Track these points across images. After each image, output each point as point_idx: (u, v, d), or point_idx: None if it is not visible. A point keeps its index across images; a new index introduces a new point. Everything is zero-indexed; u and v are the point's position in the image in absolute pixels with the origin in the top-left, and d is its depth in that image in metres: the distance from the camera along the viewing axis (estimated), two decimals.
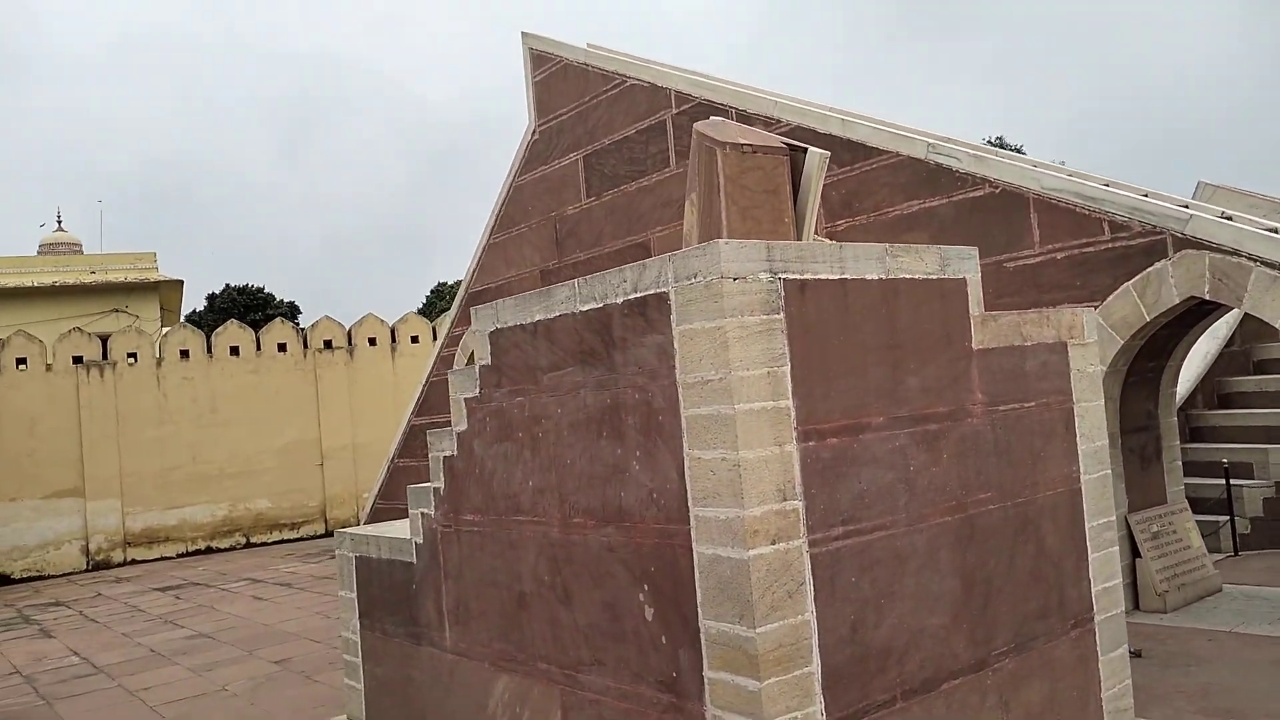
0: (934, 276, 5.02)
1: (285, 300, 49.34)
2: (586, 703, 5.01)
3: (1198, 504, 11.04)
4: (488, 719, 5.81)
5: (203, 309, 48.18)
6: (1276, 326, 7.43)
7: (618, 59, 13.35)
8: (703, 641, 4.29)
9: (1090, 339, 5.91)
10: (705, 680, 4.29)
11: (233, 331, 23.72)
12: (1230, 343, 12.64)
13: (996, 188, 9.05)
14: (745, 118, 11.42)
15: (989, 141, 63.00)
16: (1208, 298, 7.76)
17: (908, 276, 4.89)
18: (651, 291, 4.44)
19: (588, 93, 13.74)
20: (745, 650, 4.08)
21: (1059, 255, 8.67)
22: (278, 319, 26.20)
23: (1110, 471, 5.94)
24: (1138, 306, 8.17)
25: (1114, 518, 5.91)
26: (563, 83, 14.23)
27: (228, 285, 48.99)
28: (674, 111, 12.46)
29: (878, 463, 4.62)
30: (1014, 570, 5.22)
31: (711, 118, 7.73)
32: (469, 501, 5.84)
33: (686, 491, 4.31)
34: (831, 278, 4.55)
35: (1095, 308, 8.44)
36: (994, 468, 5.19)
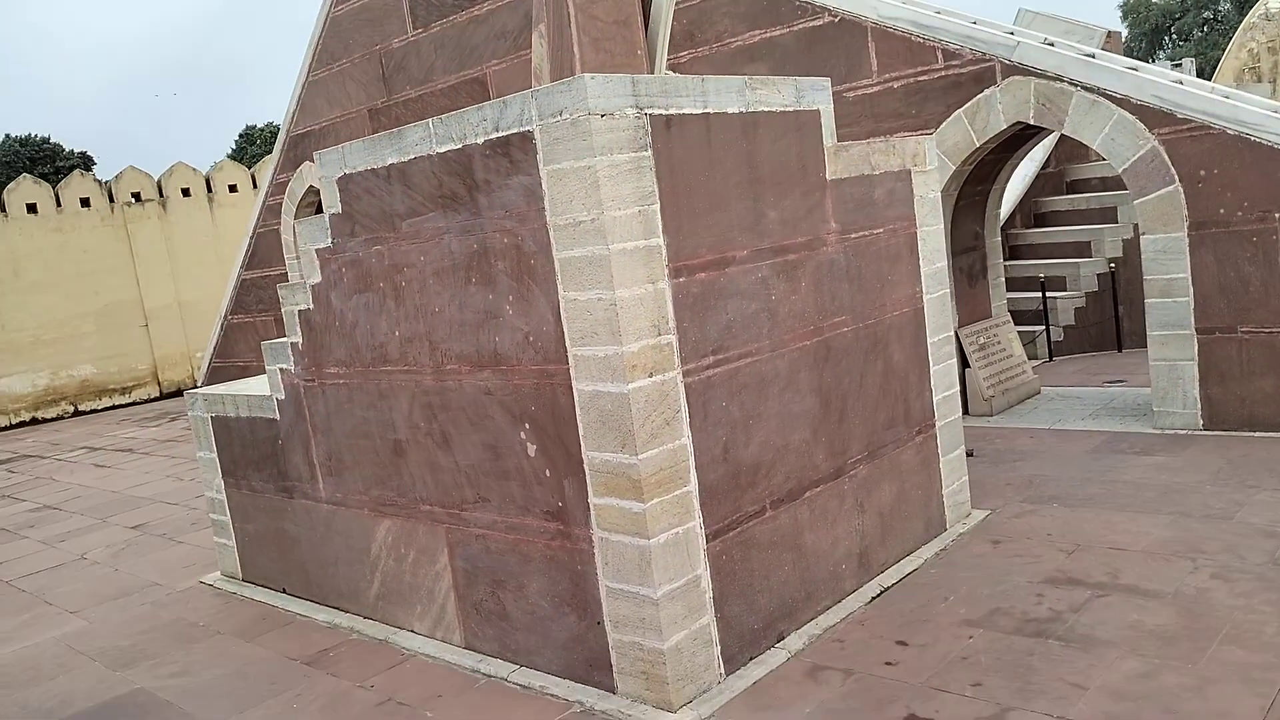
0: (790, 108, 5.10)
1: (76, 151, 45.00)
2: (473, 538, 5.17)
3: (1018, 316, 12.00)
4: (371, 562, 5.92)
5: None
6: (1093, 147, 7.98)
7: None
8: (586, 471, 4.46)
9: (931, 166, 6.20)
10: (591, 506, 4.49)
11: (27, 187, 21.62)
12: (1046, 165, 13.47)
13: (836, 16, 9.12)
14: None
15: None
16: (1032, 122, 8.20)
17: (766, 109, 4.95)
18: (515, 130, 4.34)
19: None
20: (629, 476, 4.28)
21: (896, 84, 8.92)
22: (75, 171, 23.97)
23: (949, 290, 6.37)
24: (969, 133, 8.57)
25: (951, 333, 6.39)
26: None
27: (7, 136, 44.17)
28: None
29: (743, 294, 4.79)
30: (866, 386, 5.60)
31: None
32: (332, 355, 5.73)
33: (564, 333, 4.38)
34: (695, 112, 4.56)
35: (930, 135, 8.80)
36: (847, 293, 5.48)
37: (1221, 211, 7.30)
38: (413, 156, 4.88)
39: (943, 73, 8.57)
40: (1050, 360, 11.70)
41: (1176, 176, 7.45)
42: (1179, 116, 7.36)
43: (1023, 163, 13.09)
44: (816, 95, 5.27)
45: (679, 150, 4.46)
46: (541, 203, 4.31)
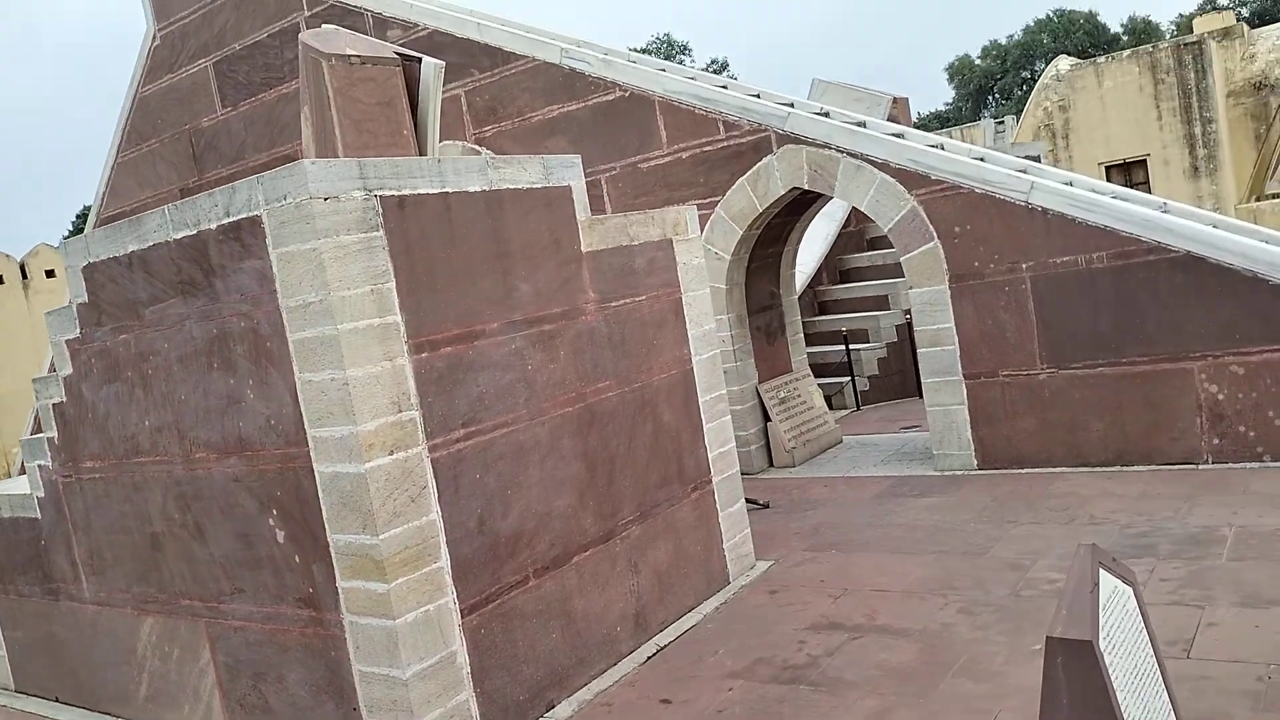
0: (539, 185, 5.27)
1: None
2: (232, 631, 5.01)
3: (828, 368, 12.55)
4: (138, 662, 5.65)
5: None
6: (861, 209, 8.51)
7: None
8: (333, 555, 4.42)
9: (693, 234, 6.48)
10: (339, 590, 4.43)
11: None
12: (847, 224, 14.23)
13: (627, 91, 9.48)
14: (382, 21, 11.08)
15: (656, 39, 64.57)
16: (807, 187, 8.69)
17: (512, 187, 5.11)
18: (244, 215, 4.35)
19: None
20: (371, 557, 4.26)
21: (684, 154, 9.31)
22: None
23: (719, 351, 6.63)
24: (752, 199, 9.00)
25: (724, 391, 6.63)
26: None
27: None
28: (307, 14, 11.81)
29: (496, 366, 4.88)
30: (635, 448, 5.75)
31: (324, 26, 7.44)
32: (87, 448, 5.52)
33: (302, 415, 4.36)
34: (432, 192, 4.66)
35: (718, 202, 9.21)
36: (610, 359, 5.64)
37: (976, 264, 7.88)
38: (152, 243, 4.81)
39: (725, 143, 9.00)
40: (857, 409, 12.23)
41: (935, 233, 8.01)
42: (933, 178, 7.94)
43: (825, 222, 13.80)
44: (566, 172, 5.47)
45: (416, 229, 4.55)
46: (273, 285, 4.31)
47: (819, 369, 12.55)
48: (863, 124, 9.46)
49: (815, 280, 13.48)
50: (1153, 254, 7.16)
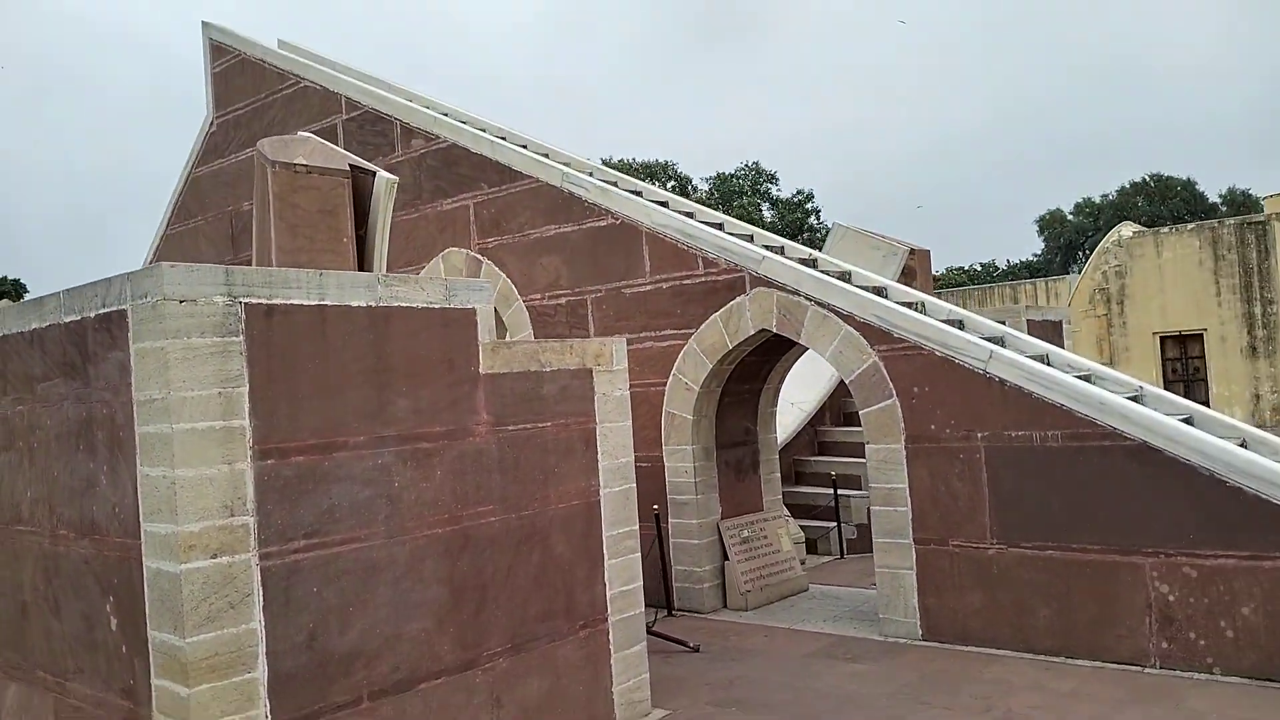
0: (436, 306, 5.33)
1: (9, 278, 44.67)
2: (71, 709, 4.97)
3: (814, 511, 12.21)
4: None
5: None
6: (825, 358, 8.40)
7: (294, 58, 13.13)
8: (150, 651, 4.37)
9: (618, 366, 6.45)
10: (153, 687, 4.37)
11: None
12: None
13: (618, 219, 9.65)
14: (408, 130, 11.57)
15: (745, 165, 65.91)
16: (776, 331, 8.64)
17: (404, 305, 5.17)
18: (115, 308, 4.48)
19: (264, 89, 13.42)
20: (177, 658, 4.20)
21: (665, 285, 9.37)
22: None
23: (634, 485, 6.51)
24: (723, 335, 8.96)
25: (635, 527, 6.47)
26: (240, 77, 13.83)
27: None
28: (344, 117, 12.42)
29: (355, 479, 4.87)
30: (514, 577, 5.62)
31: (299, 133, 7.81)
32: None
33: (139, 507, 4.38)
34: (307, 304, 4.74)
35: (692, 334, 9.19)
36: (498, 483, 5.58)
37: (933, 427, 7.66)
38: (49, 323, 4.98)
39: (703, 278, 9.04)
40: (840, 557, 11.82)
41: (894, 391, 7.84)
42: (896, 336, 7.81)
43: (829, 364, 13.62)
44: (473, 295, 5.53)
45: (282, 338, 4.62)
46: (130, 378, 4.41)
47: (807, 511, 12.24)
48: (847, 275, 9.45)
49: (818, 419, 13.26)
50: (1108, 439, 6.87)
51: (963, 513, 7.52)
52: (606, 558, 6.22)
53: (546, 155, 12.03)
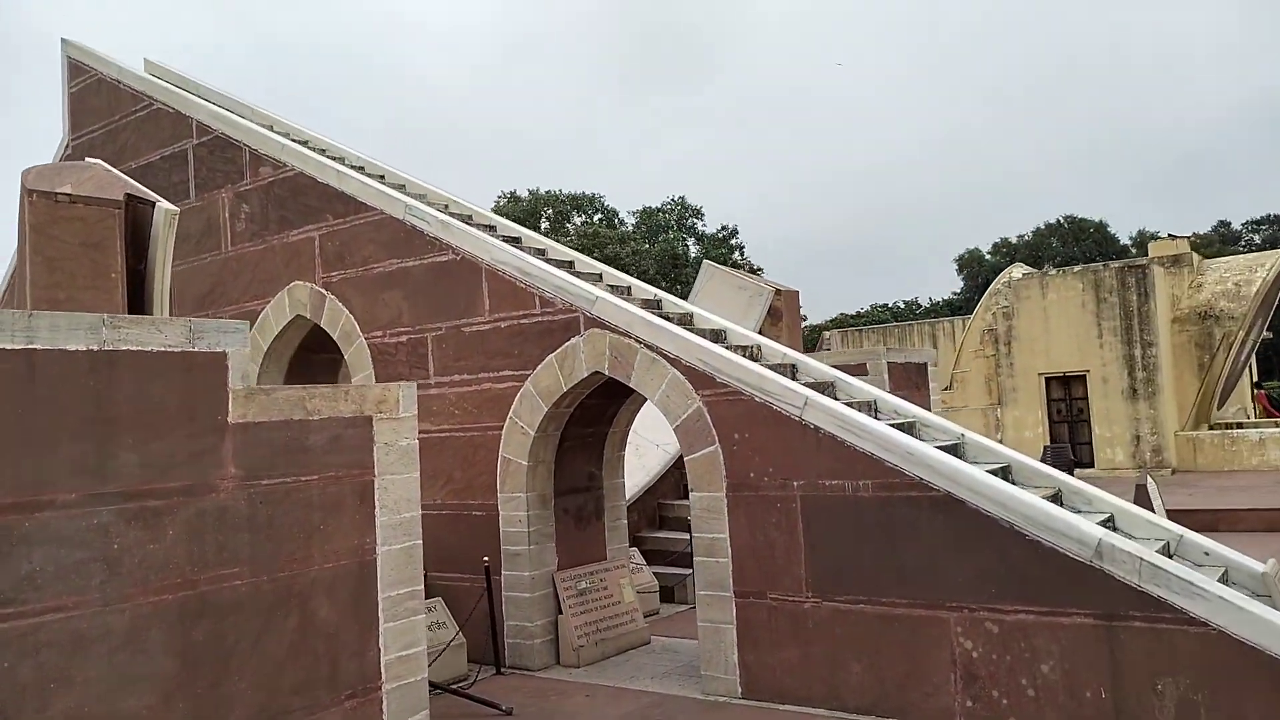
0: (176, 349, 4.97)
1: None
2: None
3: (670, 557, 11.99)
4: None
5: None
6: (653, 402, 8.19)
7: (149, 79, 12.62)
8: None
9: (405, 414, 6.13)
10: None
11: None
12: None
13: (458, 255, 9.36)
14: (257, 157, 11.14)
15: (671, 200, 66.17)
16: (608, 374, 8.41)
17: (136, 349, 4.80)
18: None
19: (118, 111, 12.88)
20: None
21: (503, 324, 9.09)
22: None
23: (419, 542, 6.17)
24: (558, 377, 8.70)
25: (420, 587, 6.13)
26: (96, 98, 13.26)
27: None
28: (195, 141, 11.93)
29: (63, 541, 4.46)
30: (265, 646, 5.23)
31: (87, 160, 7.38)
32: None
33: None
34: (12, 347, 4.36)
35: (529, 376, 8.92)
36: (247, 543, 5.20)
37: (752, 475, 7.48)
38: None
39: (539, 318, 8.79)
40: (693, 606, 11.56)
41: (717, 437, 7.65)
42: (718, 380, 7.64)
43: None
44: (223, 338, 5.18)
45: None
46: None
47: (661, 556, 12.00)
48: (688, 316, 9.28)
49: (679, 464, 13.06)
50: (914, 489, 6.76)
51: (780, 565, 7.34)
52: (382, 621, 5.86)
53: (403, 186, 11.73)
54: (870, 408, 8.20)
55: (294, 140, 12.53)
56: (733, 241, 68.11)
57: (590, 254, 58.70)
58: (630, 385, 8.25)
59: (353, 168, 11.97)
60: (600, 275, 10.03)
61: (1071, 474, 17.06)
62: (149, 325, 4.88)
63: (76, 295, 5.90)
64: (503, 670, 8.74)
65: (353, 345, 10.20)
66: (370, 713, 5.75)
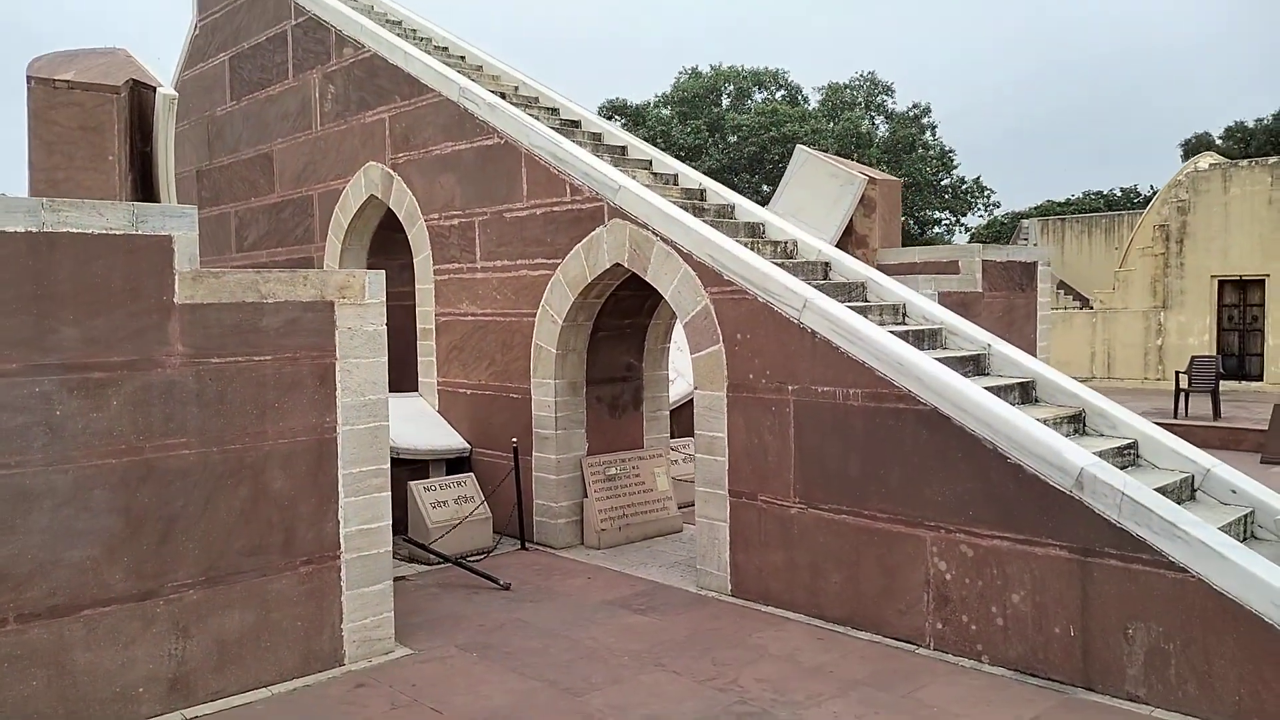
0: (119, 232, 5.24)
1: None
2: None
3: None
4: None
5: None
6: (666, 298, 7.97)
7: None
8: None
9: (371, 300, 6.26)
10: None
11: None
12: None
13: (502, 139, 9.29)
14: (341, 39, 11.34)
15: (860, 75, 62.79)
16: (627, 265, 8.24)
17: (75, 231, 5.10)
18: None
19: None
20: None
21: (539, 211, 9.03)
22: None
23: (385, 424, 6.38)
24: (584, 267, 8.60)
25: (385, 466, 6.36)
26: None
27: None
28: (293, 22, 12.27)
29: (3, 407, 4.89)
30: (214, 511, 5.61)
31: (114, 47, 7.70)
32: None
33: None
34: None
35: (559, 264, 8.88)
36: (195, 416, 5.54)
37: (751, 376, 7.25)
38: None
39: (569, 206, 8.69)
40: None
41: (721, 336, 7.42)
42: (725, 278, 7.36)
43: None
44: (169, 221, 5.41)
45: None
46: None
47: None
48: (728, 208, 8.95)
49: None
50: (902, 401, 6.36)
51: (772, 468, 7.15)
52: (343, 496, 6.15)
53: (480, 68, 11.72)
54: (897, 312, 7.72)
55: (389, 22, 12.69)
56: (924, 120, 64.35)
57: (767, 132, 56.97)
58: (646, 279, 8.08)
59: (436, 49, 12.04)
60: (650, 161, 9.77)
61: (1217, 389, 15.63)
62: (89, 209, 5.16)
63: (75, 176, 6.30)
64: (526, 546, 9.05)
65: (415, 226, 10.45)
66: (327, 580, 6.11)
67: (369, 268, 11.95)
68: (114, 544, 5.27)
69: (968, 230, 66.19)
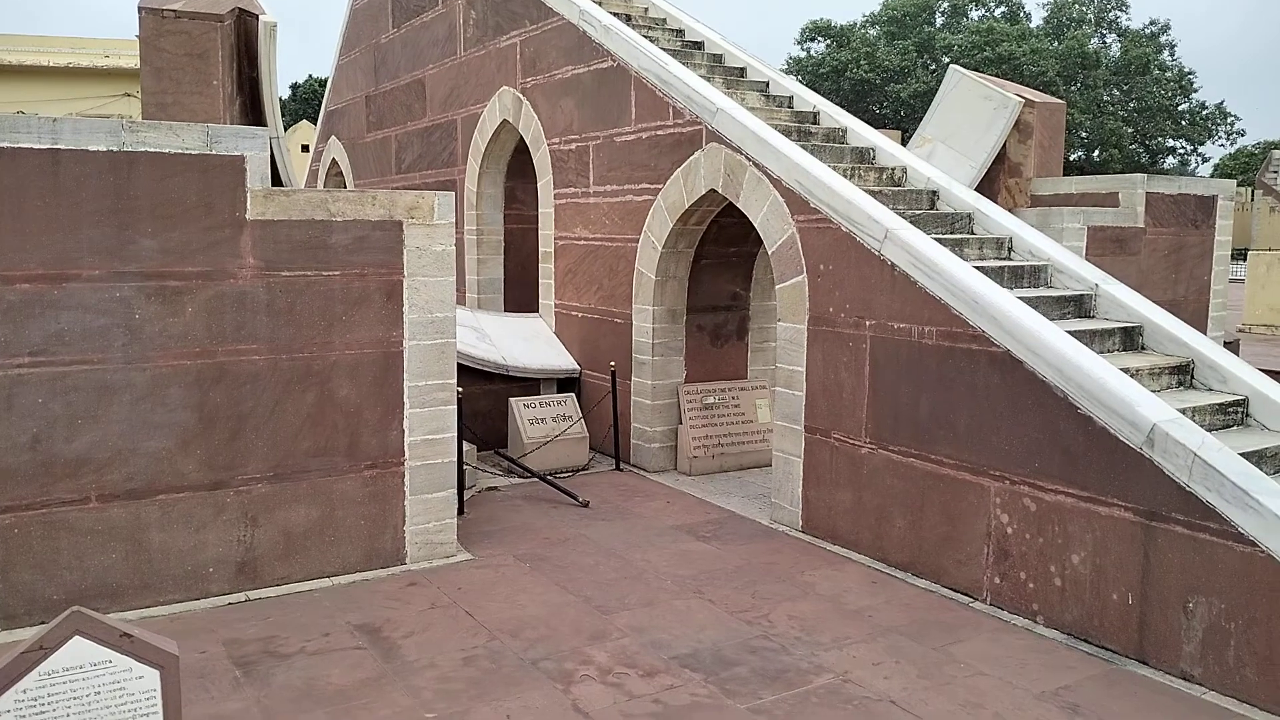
0: (193, 152, 5.63)
1: None
2: None
3: None
4: None
5: None
6: (756, 226, 7.69)
7: None
8: None
9: (440, 220, 6.45)
10: None
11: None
12: None
13: (615, 62, 9.18)
14: None
15: None
16: (721, 191, 8.01)
17: (152, 150, 5.52)
18: None
19: None
20: None
21: (644, 135, 8.89)
22: None
23: (453, 341, 6.60)
24: (683, 192, 8.43)
25: (452, 380, 6.60)
26: None
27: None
28: None
29: (88, 308, 5.43)
30: (282, 413, 6.03)
31: None
32: None
33: None
34: (37, 147, 5.23)
35: (660, 189, 8.77)
36: (265, 325, 5.94)
37: (831, 310, 6.97)
38: None
39: (671, 129, 8.56)
40: None
41: (805, 267, 7.17)
42: (811, 205, 7.07)
43: None
44: (242, 143, 5.76)
45: (8, 178, 5.16)
46: None
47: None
48: (840, 131, 8.55)
49: None
50: (975, 342, 5.96)
51: (845, 406, 6.90)
52: (408, 406, 6.46)
53: None
54: (1000, 246, 7.19)
55: None
56: (1162, 39, 58.52)
57: (981, 53, 53.19)
58: (739, 206, 7.87)
59: None
60: (767, 83, 9.43)
61: None
62: (166, 129, 5.57)
63: (182, 100, 6.79)
64: (621, 467, 9.20)
65: (539, 150, 10.60)
66: (391, 484, 6.47)
67: (505, 191, 12.30)
68: (188, 437, 5.78)
69: (1206, 160, 59.96)
